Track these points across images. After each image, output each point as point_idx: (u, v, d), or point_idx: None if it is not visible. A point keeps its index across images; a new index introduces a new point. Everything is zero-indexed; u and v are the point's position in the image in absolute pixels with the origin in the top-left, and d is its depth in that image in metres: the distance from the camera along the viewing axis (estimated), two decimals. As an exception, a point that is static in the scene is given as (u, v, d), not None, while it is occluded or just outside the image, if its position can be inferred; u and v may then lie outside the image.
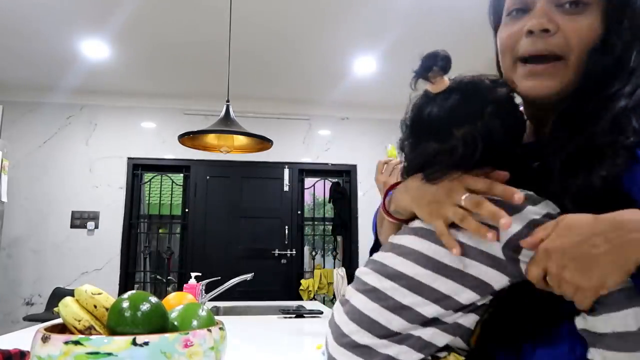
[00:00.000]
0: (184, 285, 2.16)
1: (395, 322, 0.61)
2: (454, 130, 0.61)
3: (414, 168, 0.67)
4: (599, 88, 0.58)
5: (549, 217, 0.56)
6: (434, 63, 0.62)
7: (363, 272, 0.68)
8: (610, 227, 0.47)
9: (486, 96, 0.62)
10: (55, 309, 0.74)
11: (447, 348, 0.63)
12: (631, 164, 0.50)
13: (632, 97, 0.54)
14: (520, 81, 0.65)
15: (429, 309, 0.60)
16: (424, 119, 0.64)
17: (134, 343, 0.62)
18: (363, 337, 0.62)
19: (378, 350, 0.61)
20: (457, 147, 0.60)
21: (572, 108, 0.59)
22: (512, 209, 0.56)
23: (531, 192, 0.58)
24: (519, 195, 0.56)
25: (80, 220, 4.49)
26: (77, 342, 0.61)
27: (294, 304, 2.56)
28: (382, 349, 0.61)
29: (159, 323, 0.69)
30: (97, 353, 0.60)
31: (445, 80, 0.63)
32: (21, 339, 1.29)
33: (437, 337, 0.60)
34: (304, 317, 2.09)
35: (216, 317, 0.81)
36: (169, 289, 4.80)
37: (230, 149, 2.50)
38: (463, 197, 0.58)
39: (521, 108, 0.67)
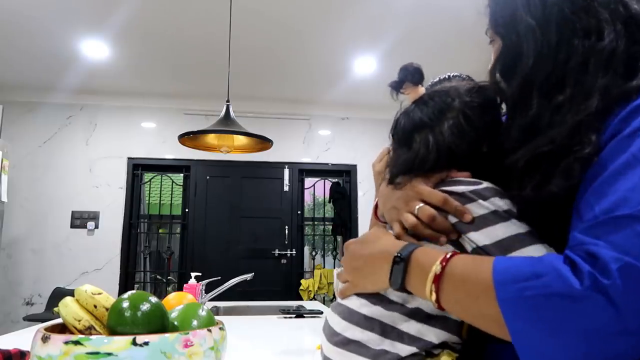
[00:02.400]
0: (184, 285, 2.16)
1: (386, 317, 0.63)
2: (415, 136, 0.67)
3: (391, 175, 0.71)
4: (519, 100, 0.62)
5: None
6: (405, 77, 0.69)
7: None
8: (360, 246, 0.69)
9: (450, 104, 0.67)
10: (55, 309, 0.74)
11: (442, 345, 0.63)
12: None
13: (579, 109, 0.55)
14: None
15: (414, 302, 0.62)
16: (398, 128, 0.70)
17: (134, 343, 0.62)
18: (355, 333, 0.63)
19: (370, 346, 0.62)
20: (418, 151, 0.66)
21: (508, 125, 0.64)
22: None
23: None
24: (468, 216, 0.60)
25: (80, 220, 4.50)
26: (77, 342, 0.61)
27: (294, 304, 2.56)
28: (375, 344, 0.62)
29: (159, 323, 0.69)
30: (97, 353, 0.61)
31: (420, 90, 0.69)
32: (21, 339, 1.29)
33: (425, 330, 0.62)
34: (304, 317, 2.09)
35: (216, 317, 0.81)
36: (169, 289, 4.81)
37: (230, 149, 2.50)
38: (417, 207, 0.63)
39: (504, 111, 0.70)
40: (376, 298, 0.64)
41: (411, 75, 0.69)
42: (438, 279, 0.55)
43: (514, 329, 0.47)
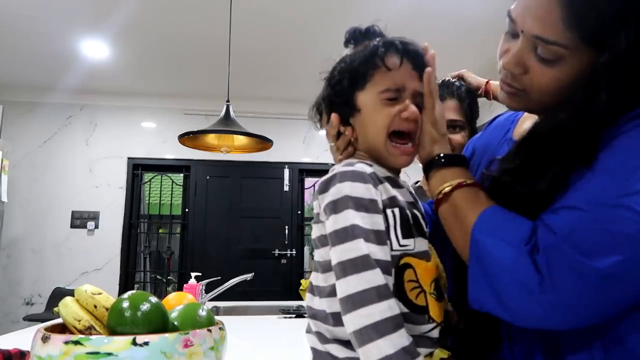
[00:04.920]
0: (184, 285, 2.16)
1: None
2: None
3: None
4: (554, 112, 0.63)
5: None
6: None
7: None
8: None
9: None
10: (55, 309, 0.74)
11: (435, 343, 0.64)
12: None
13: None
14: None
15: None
16: None
17: (134, 343, 0.62)
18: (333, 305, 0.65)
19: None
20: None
21: (534, 128, 0.67)
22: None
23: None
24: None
25: (80, 220, 4.49)
26: (77, 342, 0.61)
27: (294, 304, 2.56)
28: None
29: (159, 323, 0.69)
30: (97, 353, 0.60)
31: None
32: (21, 339, 1.29)
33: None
34: (303, 317, 2.09)
35: (216, 317, 0.81)
36: (169, 289, 4.81)
37: (230, 149, 2.50)
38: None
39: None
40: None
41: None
42: (439, 202, 0.67)
43: (469, 264, 0.60)
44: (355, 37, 0.76)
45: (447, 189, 0.66)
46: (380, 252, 0.60)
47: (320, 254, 0.67)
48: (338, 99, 0.72)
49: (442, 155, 0.69)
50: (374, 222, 0.61)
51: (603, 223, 0.51)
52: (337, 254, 0.59)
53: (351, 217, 0.60)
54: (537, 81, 0.63)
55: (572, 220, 0.53)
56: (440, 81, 1.24)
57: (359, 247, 0.58)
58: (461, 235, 0.63)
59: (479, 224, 0.60)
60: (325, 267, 0.64)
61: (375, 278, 0.57)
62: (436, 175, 0.68)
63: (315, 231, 0.68)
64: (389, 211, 0.64)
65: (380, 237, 0.61)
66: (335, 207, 0.61)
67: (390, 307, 0.56)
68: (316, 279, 0.68)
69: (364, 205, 0.61)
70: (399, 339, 0.55)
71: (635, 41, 0.55)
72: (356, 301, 0.56)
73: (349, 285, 0.57)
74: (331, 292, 0.62)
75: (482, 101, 1.34)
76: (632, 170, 0.52)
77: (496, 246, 0.57)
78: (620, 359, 0.56)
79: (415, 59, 0.70)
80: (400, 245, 0.64)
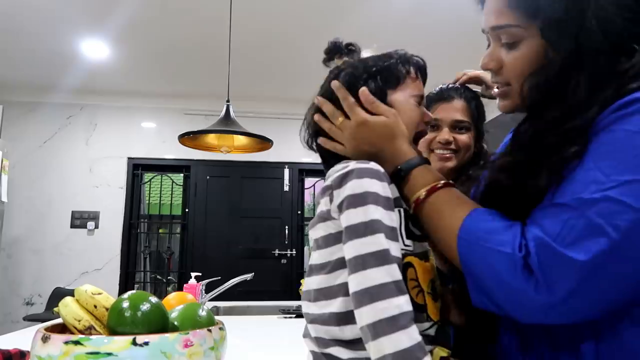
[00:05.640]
0: (184, 285, 2.16)
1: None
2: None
3: None
4: (540, 107, 0.65)
5: None
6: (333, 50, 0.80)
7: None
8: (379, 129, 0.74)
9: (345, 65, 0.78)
10: (55, 309, 0.74)
11: (433, 341, 0.65)
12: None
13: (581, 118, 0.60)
14: None
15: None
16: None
17: (134, 343, 0.62)
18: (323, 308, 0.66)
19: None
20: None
21: (520, 126, 0.70)
22: None
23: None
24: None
25: (80, 220, 4.49)
26: (77, 342, 0.61)
27: (294, 304, 2.56)
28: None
29: (159, 323, 0.69)
30: (97, 353, 0.61)
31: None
32: (21, 339, 1.29)
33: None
34: (303, 317, 2.08)
35: (216, 317, 0.81)
36: (169, 289, 4.80)
37: (231, 149, 2.50)
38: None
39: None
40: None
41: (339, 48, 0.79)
42: (419, 202, 0.67)
43: (464, 268, 0.61)
44: (339, 51, 0.80)
45: (422, 195, 0.67)
46: (396, 249, 0.61)
47: (323, 255, 0.66)
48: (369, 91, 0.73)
49: (399, 167, 0.70)
50: (391, 219, 0.62)
51: (590, 218, 0.52)
52: (355, 247, 0.59)
53: (371, 212, 0.60)
54: (512, 68, 0.68)
55: (561, 218, 0.54)
56: (447, 85, 1.24)
57: (379, 242, 0.59)
58: (447, 243, 0.63)
59: (464, 232, 0.61)
60: (334, 266, 0.64)
61: (394, 273, 0.58)
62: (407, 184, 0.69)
63: (320, 230, 0.67)
64: (396, 210, 0.65)
65: (395, 235, 0.62)
66: (355, 201, 0.61)
67: (407, 302, 0.57)
68: (317, 282, 0.67)
69: (382, 202, 0.61)
70: (414, 333, 0.56)
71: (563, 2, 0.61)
72: (373, 294, 0.56)
73: (366, 278, 0.57)
74: (338, 292, 0.62)
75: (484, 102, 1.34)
76: (617, 163, 0.54)
77: (486, 255, 0.58)
78: (613, 350, 0.57)
79: (425, 76, 0.79)
80: (405, 245, 0.66)
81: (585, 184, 0.55)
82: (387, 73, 0.74)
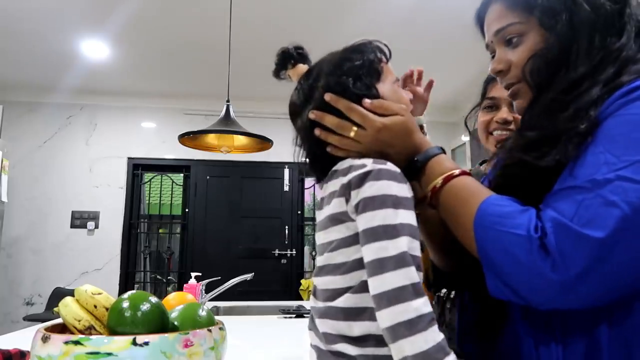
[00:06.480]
0: (184, 285, 2.16)
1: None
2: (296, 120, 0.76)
3: None
4: (544, 86, 0.68)
5: None
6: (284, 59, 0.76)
7: None
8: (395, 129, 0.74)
9: (319, 71, 0.76)
10: (55, 309, 0.74)
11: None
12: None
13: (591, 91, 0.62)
14: None
15: None
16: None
17: (134, 343, 0.62)
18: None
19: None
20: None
21: (531, 105, 0.72)
22: None
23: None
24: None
25: (80, 220, 4.50)
26: (77, 342, 0.61)
27: (294, 304, 2.56)
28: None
29: (159, 323, 0.69)
30: (97, 353, 0.60)
31: (301, 69, 0.74)
32: (21, 339, 1.29)
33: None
34: (304, 317, 2.09)
35: (216, 317, 0.81)
36: (169, 289, 4.81)
37: (230, 149, 2.50)
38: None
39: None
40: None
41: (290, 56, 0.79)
42: (435, 191, 0.68)
43: (480, 254, 0.61)
44: (291, 58, 0.82)
45: (439, 183, 0.68)
46: (416, 249, 0.61)
47: (338, 256, 0.65)
48: (361, 93, 0.72)
49: (416, 158, 0.71)
50: (411, 219, 0.62)
51: (605, 196, 0.54)
52: (373, 250, 0.60)
53: (391, 215, 0.60)
54: (519, 62, 0.72)
55: (576, 199, 0.56)
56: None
57: (397, 245, 0.59)
58: (464, 230, 0.64)
59: (479, 218, 0.62)
60: (350, 267, 0.64)
61: (411, 275, 0.58)
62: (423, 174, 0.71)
63: (335, 233, 0.66)
64: None
65: (415, 234, 0.62)
66: (374, 203, 0.61)
67: (424, 304, 0.58)
68: (331, 282, 0.66)
69: (402, 203, 0.62)
70: (434, 335, 0.56)
71: None
72: (391, 297, 0.57)
73: (384, 282, 0.58)
74: (347, 289, 0.63)
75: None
76: (627, 145, 0.56)
77: (501, 239, 0.59)
78: (626, 335, 0.57)
79: (391, 56, 0.78)
80: None
81: (597, 166, 0.56)
82: (368, 69, 0.73)
